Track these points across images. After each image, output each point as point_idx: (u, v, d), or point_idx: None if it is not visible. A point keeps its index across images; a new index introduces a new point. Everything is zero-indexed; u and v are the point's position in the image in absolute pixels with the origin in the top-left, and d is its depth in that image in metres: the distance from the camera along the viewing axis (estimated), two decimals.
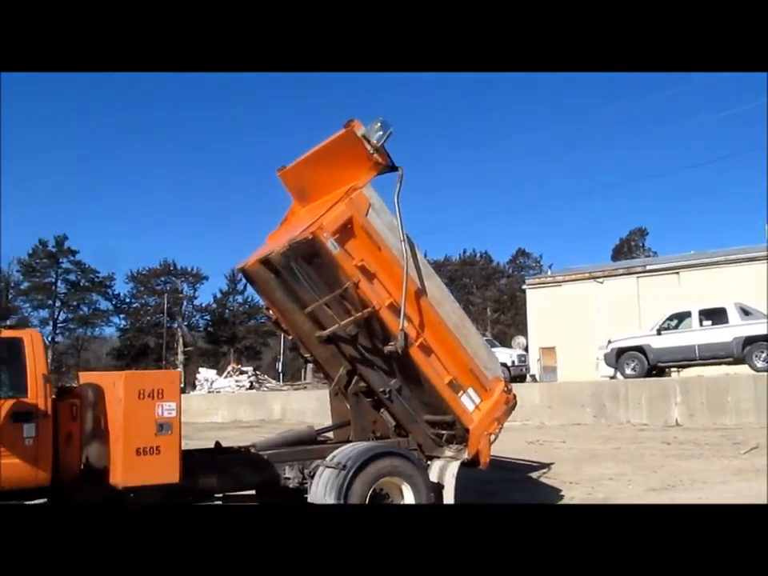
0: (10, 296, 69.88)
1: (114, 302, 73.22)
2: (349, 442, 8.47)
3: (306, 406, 25.63)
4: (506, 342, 39.53)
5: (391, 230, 7.95)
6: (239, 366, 42.19)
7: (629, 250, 71.75)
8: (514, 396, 8.68)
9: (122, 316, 73.96)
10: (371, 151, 7.78)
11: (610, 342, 22.03)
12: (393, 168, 8.07)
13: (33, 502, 6.58)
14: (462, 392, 8.17)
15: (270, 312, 9.63)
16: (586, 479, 11.49)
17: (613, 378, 22.03)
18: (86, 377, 7.77)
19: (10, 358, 6.91)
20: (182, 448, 7.05)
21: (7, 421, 6.51)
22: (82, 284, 71.59)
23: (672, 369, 22.32)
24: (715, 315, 20.19)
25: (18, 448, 6.52)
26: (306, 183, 8.92)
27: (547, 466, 12.53)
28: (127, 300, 74.23)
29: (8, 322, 7.29)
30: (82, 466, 6.99)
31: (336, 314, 7.93)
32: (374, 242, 7.84)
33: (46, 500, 6.66)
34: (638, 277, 33.51)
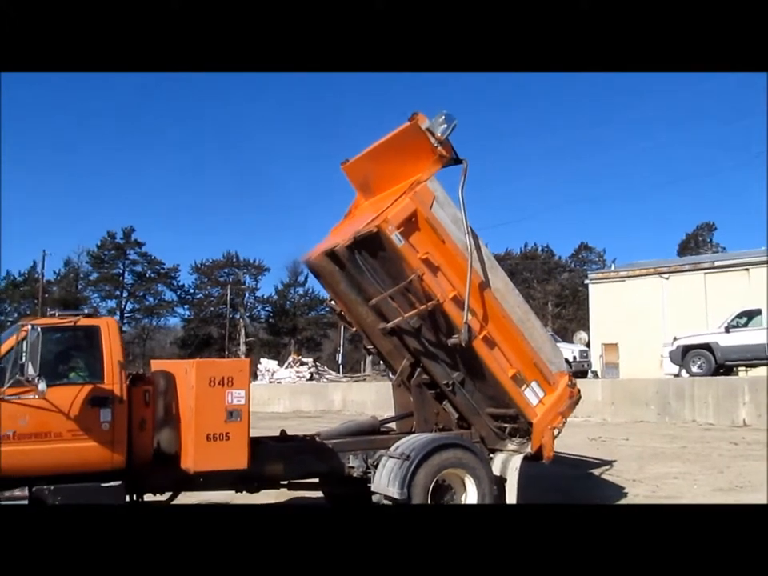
0: (80, 286, 72.17)
1: (178, 293, 75.05)
2: (412, 433, 8.54)
3: (366, 397, 25.83)
4: (567, 338, 39.05)
5: (455, 222, 7.97)
6: (300, 357, 42.65)
7: (696, 246, 69.89)
8: (579, 390, 8.61)
9: (186, 306, 75.76)
10: (435, 144, 7.80)
11: (675, 339, 21.55)
12: (457, 161, 8.07)
13: (108, 484, 6.81)
14: (525, 385, 8.15)
15: (334, 304, 9.75)
16: (650, 477, 11.31)
17: (677, 375, 21.58)
18: (157, 364, 8.03)
19: (87, 345, 7.17)
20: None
21: (85, 405, 6.75)
22: (148, 275, 73.51)
23: (740, 367, 21.73)
24: None
25: (95, 432, 6.77)
26: (370, 176, 8.99)
27: (610, 463, 12.37)
28: (191, 291, 75.97)
29: (85, 311, 7.54)
30: (154, 451, 7.23)
31: (400, 306, 7.99)
32: (439, 234, 7.87)
33: (120, 482, 6.88)
34: (705, 273, 32.66)
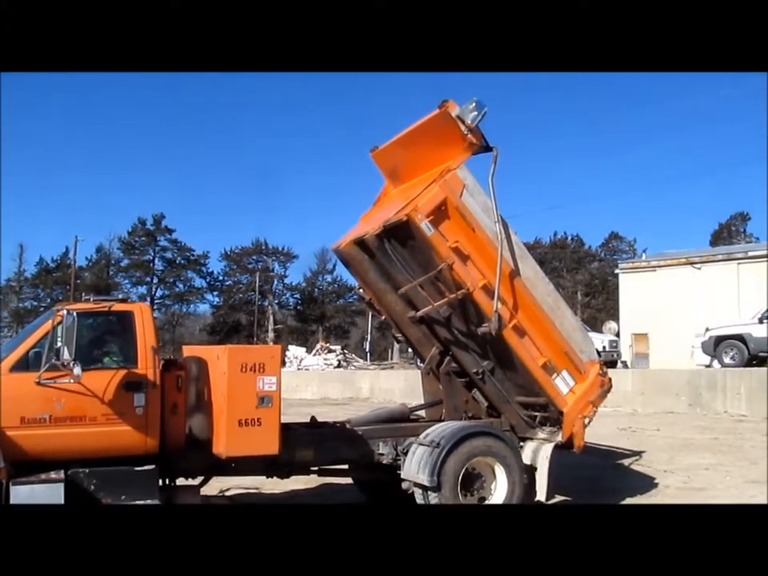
0: (111, 272, 73.04)
1: (208, 280, 75.73)
2: (441, 420, 8.55)
3: (395, 385, 25.89)
4: (596, 327, 38.77)
5: (485, 211, 7.90)
6: (327, 345, 42.93)
7: (729, 236, 68.84)
8: (609, 379, 8.53)
9: (215, 293, 76.44)
10: (465, 132, 7.72)
11: (707, 329, 21.32)
12: (487, 148, 7.99)
13: (142, 468, 6.90)
14: (556, 374, 8.10)
15: (363, 292, 9.74)
16: (681, 468, 11.22)
17: (708, 366, 21.35)
18: (189, 350, 8.11)
19: (121, 330, 7.25)
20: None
21: (119, 390, 6.84)
22: (178, 262, 74.17)
23: None
24: None
25: (129, 416, 6.85)
26: (399, 163, 8.94)
27: (639, 453, 12.28)
28: (220, 278, 76.61)
29: (120, 296, 7.64)
30: (186, 436, 7.29)
31: (430, 295, 7.98)
32: (468, 223, 7.82)
33: (153, 466, 6.96)
34: (738, 263, 32.10)
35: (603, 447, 12.27)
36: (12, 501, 6.29)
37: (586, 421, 8.22)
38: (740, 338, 20.18)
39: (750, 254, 32.90)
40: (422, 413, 9.55)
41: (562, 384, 8.14)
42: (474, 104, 7.71)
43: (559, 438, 8.09)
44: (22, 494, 6.33)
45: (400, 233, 7.74)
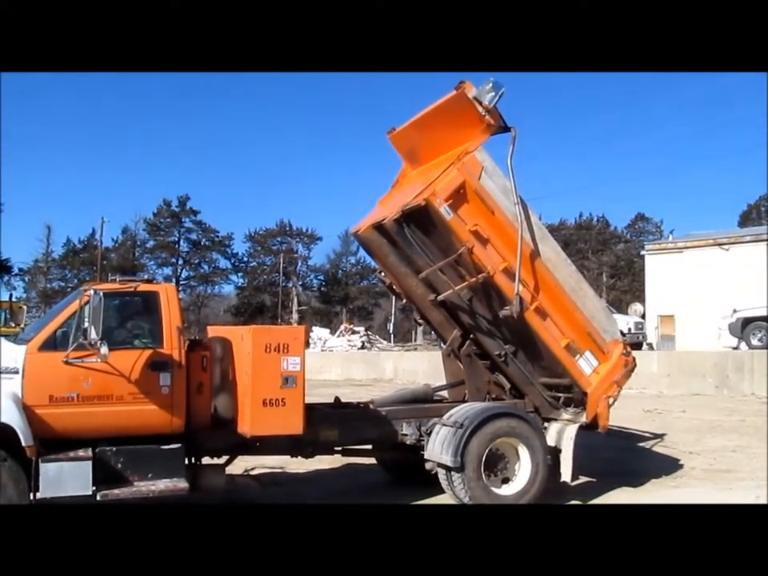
0: (137, 254, 73.72)
1: (232, 261, 76.26)
2: (465, 401, 8.56)
3: (418, 366, 25.92)
4: (622, 309, 38.48)
5: (505, 193, 7.84)
6: (351, 326, 42.96)
7: (758, 216, 67.72)
8: (634, 359, 8.46)
9: (239, 274, 76.95)
10: (483, 113, 7.64)
11: (735, 311, 21.09)
12: (505, 129, 7.91)
13: (168, 447, 6.99)
14: (579, 355, 8.05)
15: (384, 275, 9.72)
16: (707, 450, 11.17)
17: (735, 348, 21.14)
18: (214, 330, 8.17)
19: (147, 310, 7.32)
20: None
21: (145, 369, 6.91)
22: (202, 243, 74.69)
23: None
24: None
25: (155, 395, 6.92)
26: (417, 145, 8.88)
27: (662, 436, 12.22)
28: (245, 259, 77.08)
29: (146, 277, 7.70)
30: (212, 415, 7.36)
31: (450, 279, 7.95)
32: (488, 206, 7.76)
33: (179, 445, 7.06)
34: (767, 244, 31.63)
35: (628, 429, 12.22)
36: (41, 478, 6.40)
37: (611, 401, 8.17)
38: None
39: None
40: (446, 393, 9.57)
41: (586, 365, 8.10)
42: (491, 84, 7.61)
43: (584, 419, 8.06)
44: (51, 471, 6.45)
45: (419, 217, 7.71)
